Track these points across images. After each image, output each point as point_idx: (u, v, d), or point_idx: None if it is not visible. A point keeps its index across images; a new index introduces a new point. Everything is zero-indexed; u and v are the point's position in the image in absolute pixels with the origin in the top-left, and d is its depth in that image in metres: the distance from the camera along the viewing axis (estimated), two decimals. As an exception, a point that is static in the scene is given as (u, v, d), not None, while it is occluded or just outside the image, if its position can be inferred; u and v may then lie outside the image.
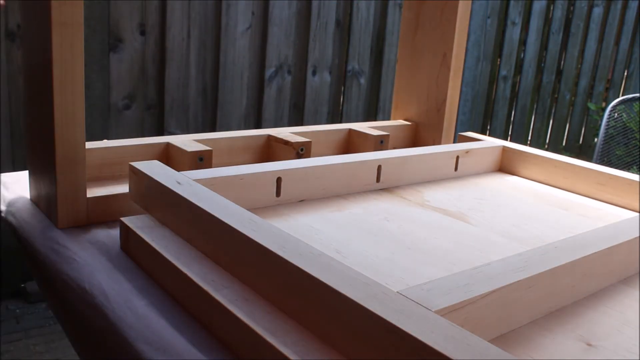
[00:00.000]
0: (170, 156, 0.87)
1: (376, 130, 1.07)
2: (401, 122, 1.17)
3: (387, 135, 1.05)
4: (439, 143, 1.12)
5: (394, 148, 1.09)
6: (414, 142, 1.17)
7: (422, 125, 1.16)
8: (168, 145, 0.87)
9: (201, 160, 0.83)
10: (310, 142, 0.95)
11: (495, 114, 3.67)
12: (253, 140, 0.96)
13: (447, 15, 1.08)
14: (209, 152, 0.84)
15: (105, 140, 0.86)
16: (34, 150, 0.78)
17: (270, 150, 0.98)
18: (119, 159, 0.84)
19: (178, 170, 0.78)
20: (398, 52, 1.19)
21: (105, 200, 0.75)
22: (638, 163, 2.30)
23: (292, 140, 0.93)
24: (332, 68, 2.76)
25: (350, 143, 1.08)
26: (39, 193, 0.78)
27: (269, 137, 0.97)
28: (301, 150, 0.93)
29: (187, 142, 0.87)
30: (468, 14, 1.10)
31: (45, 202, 0.76)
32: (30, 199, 0.81)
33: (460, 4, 1.07)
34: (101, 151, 0.82)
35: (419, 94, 1.15)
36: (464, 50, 1.12)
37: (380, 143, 1.04)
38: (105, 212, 0.75)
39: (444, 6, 1.09)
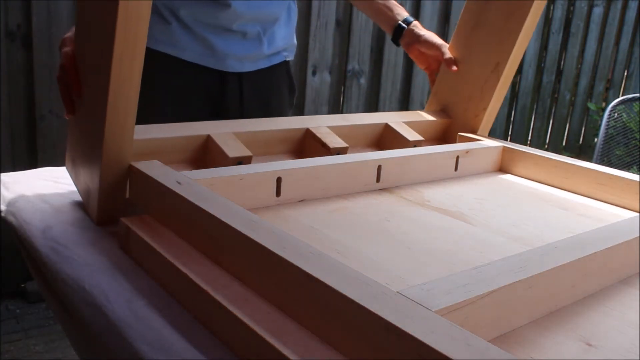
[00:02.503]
0: (209, 152, 0.87)
1: (412, 132, 1.05)
2: (434, 118, 1.14)
3: (422, 141, 1.04)
4: None
5: (425, 141, 1.07)
6: (445, 140, 1.15)
7: (456, 124, 1.13)
8: (208, 139, 0.86)
9: (240, 164, 0.83)
10: (347, 147, 0.94)
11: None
12: (290, 134, 0.96)
13: (513, 23, 1.02)
14: (249, 157, 0.84)
15: None
16: (78, 144, 0.78)
17: (306, 146, 0.97)
18: (157, 149, 0.83)
19: (214, 167, 0.78)
20: (450, 42, 1.13)
21: None
22: (638, 163, 2.30)
23: (331, 146, 0.93)
24: (332, 68, 2.76)
25: (384, 142, 1.06)
26: (81, 184, 0.79)
27: (307, 132, 0.97)
28: (337, 154, 0.93)
29: (228, 139, 0.86)
30: (534, 26, 1.03)
31: (85, 197, 0.77)
32: (78, 191, 0.82)
33: (531, 12, 1.00)
34: (139, 143, 0.80)
35: (461, 93, 1.12)
36: (518, 63, 1.05)
37: (413, 147, 1.03)
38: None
39: (511, 13, 1.02)
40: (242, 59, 1.15)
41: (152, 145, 0.82)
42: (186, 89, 1.13)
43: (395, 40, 1.22)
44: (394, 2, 1.24)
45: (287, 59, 1.25)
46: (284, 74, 1.25)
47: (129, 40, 0.64)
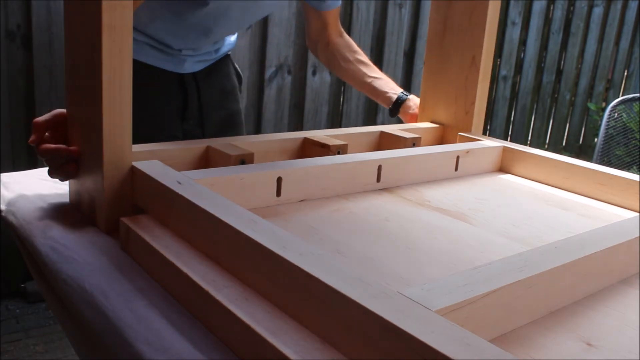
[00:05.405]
0: (210, 159, 0.87)
1: (408, 133, 1.06)
2: (429, 124, 1.16)
3: (419, 138, 1.05)
4: None
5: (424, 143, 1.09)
6: (443, 143, 1.15)
7: (450, 127, 1.15)
8: (208, 148, 0.87)
9: (243, 163, 0.83)
10: (346, 144, 0.94)
11: (495, 114, 3.68)
12: (289, 143, 0.96)
13: (477, 17, 1.07)
14: (251, 155, 0.84)
15: None
16: (80, 169, 0.76)
17: (306, 152, 0.97)
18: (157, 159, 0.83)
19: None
20: (425, 54, 1.18)
21: None
22: (638, 163, 2.30)
23: (330, 144, 0.93)
24: (332, 68, 2.76)
25: (383, 145, 1.07)
26: (81, 195, 0.77)
27: (305, 139, 0.97)
28: (338, 153, 0.93)
29: (227, 146, 0.87)
30: (497, 15, 1.09)
31: (88, 205, 0.75)
32: (70, 200, 0.80)
33: (490, 4, 1.06)
34: (140, 154, 0.80)
35: (447, 97, 1.14)
36: (493, 53, 1.11)
37: (412, 145, 1.03)
38: None
39: (473, 8, 1.08)
40: (194, 64, 1.29)
41: (152, 157, 0.82)
42: (149, 84, 1.24)
43: (394, 111, 1.31)
44: (388, 79, 1.34)
45: (228, 53, 1.39)
46: (229, 63, 1.40)
47: (115, 46, 0.66)
